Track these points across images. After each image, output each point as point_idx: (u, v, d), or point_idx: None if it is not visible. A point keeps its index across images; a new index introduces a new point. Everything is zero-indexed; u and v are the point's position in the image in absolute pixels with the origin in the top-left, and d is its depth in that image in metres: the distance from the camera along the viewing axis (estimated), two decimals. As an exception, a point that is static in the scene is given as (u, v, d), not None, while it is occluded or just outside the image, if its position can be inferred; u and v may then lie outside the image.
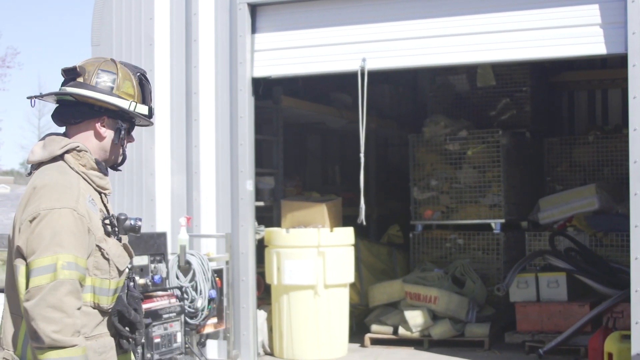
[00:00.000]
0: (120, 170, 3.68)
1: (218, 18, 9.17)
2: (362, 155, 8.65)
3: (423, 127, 11.75)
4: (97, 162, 3.47)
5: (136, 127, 3.63)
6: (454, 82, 12.53)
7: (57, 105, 3.51)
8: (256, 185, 9.66)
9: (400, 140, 13.10)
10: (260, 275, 9.75)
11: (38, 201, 3.23)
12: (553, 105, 13.52)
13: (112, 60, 3.56)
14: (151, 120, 3.64)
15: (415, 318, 10.16)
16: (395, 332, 10.34)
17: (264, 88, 9.37)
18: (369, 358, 9.72)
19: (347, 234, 9.89)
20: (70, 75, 3.48)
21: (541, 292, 10.19)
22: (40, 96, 3.53)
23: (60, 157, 3.40)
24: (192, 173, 9.25)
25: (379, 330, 10.41)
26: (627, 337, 8.04)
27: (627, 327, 8.00)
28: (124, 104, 3.48)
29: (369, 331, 10.43)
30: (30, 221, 3.20)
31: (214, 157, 9.18)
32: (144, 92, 3.58)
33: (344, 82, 10.81)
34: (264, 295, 9.97)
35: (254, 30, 9.17)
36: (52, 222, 3.18)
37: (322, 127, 13.06)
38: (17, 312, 3.30)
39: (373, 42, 8.77)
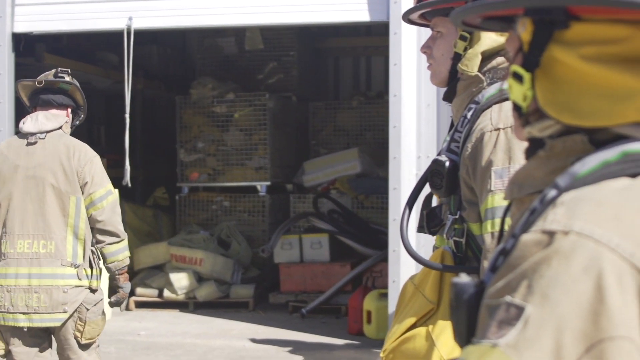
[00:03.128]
0: None
1: (-25, -32, 8.73)
2: (127, 116, 8.50)
3: (190, 89, 11.69)
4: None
5: None
6: (222, 44, 12.51)
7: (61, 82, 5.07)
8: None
9: (167, 101, 12.96)
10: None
11: (85, 150, 4.97)
12: (319, 70, 13.76)
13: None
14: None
15: (180, 280, 10.15)
16: (160, 294, 10.30)
17: (25, 44, 9.01)
18: (134, 321, 9.63)
19: (112, 195, 9.70)
20: (63, 73, 5.09)
21: (305, 253, 10.42)
22: (54, 79, 5.09)
23: (59, 128, 5.03)
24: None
25: (143, 293, 10.33)
26: (385, 295, 8.36)
27: (385, 286, 8.32)
28: (81, 103, 5.19)
29: (134, 294, 10.32)
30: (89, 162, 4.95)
31: (-30, 115, 8.77)
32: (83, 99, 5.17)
33: (110, 41, 10.56)
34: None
35: (14, -17, 8.79)
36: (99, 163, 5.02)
37: (88, 86, 12.70)
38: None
39: (140, 0, 8.61)
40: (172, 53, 13.79)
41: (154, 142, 13.52)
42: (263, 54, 12.35)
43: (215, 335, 9.04)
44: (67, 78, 5.09)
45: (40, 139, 4.96)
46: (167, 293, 10.23)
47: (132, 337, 8.87)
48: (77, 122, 5.27)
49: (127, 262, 5.13)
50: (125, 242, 5.07)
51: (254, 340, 8.72)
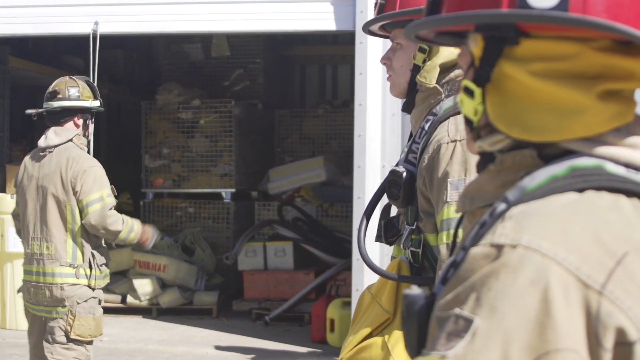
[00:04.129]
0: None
1: (-60, -30, 8.66)
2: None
3: (156, 94, 11.65)
4: (87, 144, 5.75)
5: None
6: (188, 50, 12.48)
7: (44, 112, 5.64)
8: (-21, 149, 9.23)
9: (133, 106, 12.91)
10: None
11: (81, 162, 5.49)
12: (285, 78, 13.77)
13: (71, 77, 5.74)
14: (102, 109, 5.77)
15: (143, 286, 10.11)
16: (123, 300, 10.25)
17: (-11, 47, 8.96)
18: (96, 327, 9.56)
19: (76, 200, 9.65)
20: (52, 95, 5.60)
21: (269, 261, 10.41)
22: (37, 111, 5.75)
23: (69, 140, 5.57)
24: None
25: (107, 299, 10.10)
26: (348, 304, 8.38)
27: (349, 294, 8.33)
28: (87, 104, 5.64)
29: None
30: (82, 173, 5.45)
31: None
32: (94, 92, 5.71)
33: (76, 45, 10.51)
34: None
35: (-21, -15, 8.73)
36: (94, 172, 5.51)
37: (52, 90, 12.64)
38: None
39: (106, 5, 8.58)
40: (138, 58, 13.75)
41: (119, 147, 13.45)
42: (229, 60, 12.34)
43: (178, 342, 9.01)
44: (60, 96, 5.64)
45: (49, 152, 5.60)
46: (130, 299, 10.18)
47: (95, 343, 8.78)
48: (92, 120, 5.79)
49: (138, 235, 5.76)
50: (128, 226, 5.62)
51: (217, 348, 8.71)
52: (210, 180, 11.38)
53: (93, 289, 5.58)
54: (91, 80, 5.90)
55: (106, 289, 10.14)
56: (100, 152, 12.17)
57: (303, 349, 8.72)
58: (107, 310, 10.07)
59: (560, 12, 1.29)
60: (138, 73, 13.66)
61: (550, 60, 1.33)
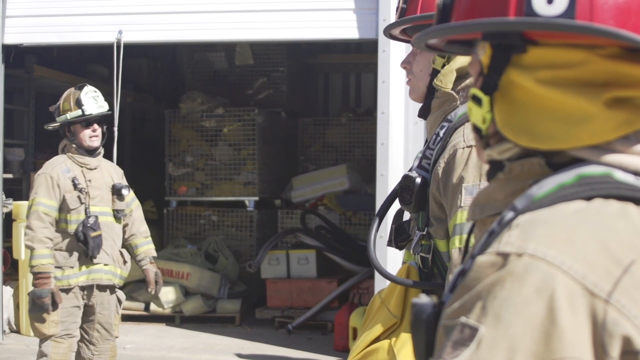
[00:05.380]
0: (98, 153, 6.36)
1: (-34, -20, 8.75)
2: (115, 129, 8.51)
3: (180, 103, 11.70)
4: (77, 149, 6.24)
5: None
6: (212, 59, 12.53)
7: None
8: (4, 157, 9.30)
9: (157, 115, 12.98)
10: (7, 250, 9.41)
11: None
12: (309, 86, 13.79)
13: (74, 87, 6.41)
14: (88, 114, 6.19)
15: (167, 294, 10.14)
16: (147, 308, 10.28)
17: (15, 56, 9.03)
18: (120, 334, 9.59)
19: (100, 208, 9.70)
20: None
21: (291, 269, 10.42)
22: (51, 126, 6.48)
23: (62, 151, 6.33)
24: None
25: (130, 306, 10.30)
26: (371, 312, 8.36)
27: (371, 303, 8.31)
28: (61, 119, 6.27)
29: (120, 307, 10.30)
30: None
31: (-42, 126, 8.78)
32: (79, 100, 6.20)
33: (100, 53, 10.57)
34: (11, 270, 9.64)
35: (6, -5, 8.82)
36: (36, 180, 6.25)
37: (77, 99, 12.72)
38: None
39: (130, 14, 8.64)
40: (162, 67, 13.82)
41: (143, 156, 13.52)
42: (253, 69, 12.38)
43: (201, 349, 9.03)
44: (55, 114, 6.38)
45: None
46: (153, 307, 10.21)
47: (118, 351, 8.83)
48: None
49: (40, 268, 6.06)
50: (38, 252, 6.05)
51: (239, 356, 8.71)
52: (233, 189, 11.40)
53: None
54: (88, 87, 6.49)
55: (129, 297, 10.26)
56: (124, 160, 12.24)
57: (326, 358, 8.71)
58: (131, 318, 10.17)
59: (567, 19, 1.28)
60: (162, 82, 13.73)
61: (557, 67, 1.33)
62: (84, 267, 6.21)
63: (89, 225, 6.13)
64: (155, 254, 6.71)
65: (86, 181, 6.27)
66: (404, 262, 2.92)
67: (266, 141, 11.66)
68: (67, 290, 6.17)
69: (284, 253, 10.46)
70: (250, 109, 11.51)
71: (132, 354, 8.70)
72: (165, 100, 13.00)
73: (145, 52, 12.86)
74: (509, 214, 1.29)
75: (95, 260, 6.22)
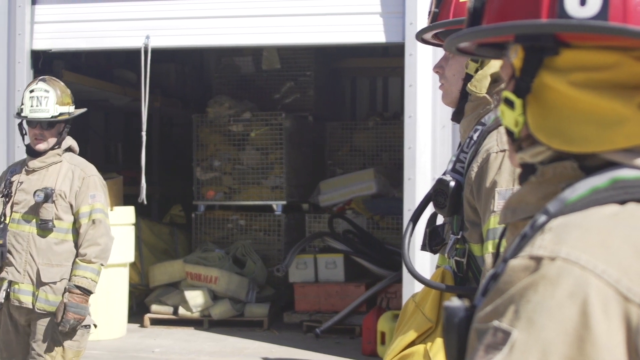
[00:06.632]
0: (38, 155, 5.47)
1: (-4, -13, 8.82)
2: (143, 133, 8.55)
3: (207, 107, 11.74)
4: (27, 148, 5.52)
5: None
6: (239, 63, 12.56)
7: None
8: (34, 162, 9.34)
9: (184, 119, 13.02)
10: None
11: None
12: (336, 90, 13.79)
13: (36, 79, 5.73)
14: (24, 116, 5.47)
15: (195, 298, 10.17)
16: (175, 312, 10.31)
17: (44, 62, 9.09)
18: (148, 338, 9.65)
19: (127, 213, 9.75)
20: None
21: (319, 273, 10.41)
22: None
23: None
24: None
25: (158, 310, 10.35)
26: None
27: (400, 307, 8.30)
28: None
29: (149, 311, 10.35)
30: None
31: (-12, 132, 8.84)
32: (23, 97, 5.50)
33: (128, 58, 10.62)
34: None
35: (34, 1, 8.87)
36: None
37: (106, 104, 12.81)
38: None
39: (158, 19, 8.67)
40: (189, 71, 13.88)
41: (171, 160, 13.59)
42: (280, 73, 12.40)
43: (229, 353, 9.05)
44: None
45: None
46: (182, 310, 10.24)
47: (146, 354, 8.88)
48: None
49: None
50: None
51: (267, 359, 8.72)
52: (261, 193, 11.42)
53: None
54: (42, 83, 5.60)
55: (158, 301, 10.30)
56: (152, 166, 12.31)
57: (354, 362, 8.71)
58: (159, 322, 10.21)
59: (600, 21, 1.28)
60: (189, 86, 13.78)
61: (590, 70, 1.32)
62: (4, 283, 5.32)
63: None
64: (85, 285, 5.25)
65: (18, 183, 5.41)
66: (438, 266, 2.91)
67: (293, 145, 11.67)
68: None
69: (311, 257, 10.46)
70: (278, 113, 11.52)
71: (161, 358, 8.73)
72: (193, 104, 13.05)
73: (173, 57, 12.91)
74: (542, 218, 1.29)
75: None
